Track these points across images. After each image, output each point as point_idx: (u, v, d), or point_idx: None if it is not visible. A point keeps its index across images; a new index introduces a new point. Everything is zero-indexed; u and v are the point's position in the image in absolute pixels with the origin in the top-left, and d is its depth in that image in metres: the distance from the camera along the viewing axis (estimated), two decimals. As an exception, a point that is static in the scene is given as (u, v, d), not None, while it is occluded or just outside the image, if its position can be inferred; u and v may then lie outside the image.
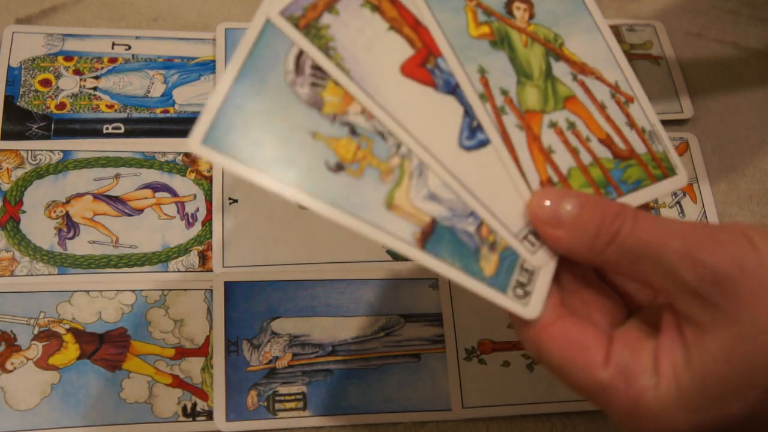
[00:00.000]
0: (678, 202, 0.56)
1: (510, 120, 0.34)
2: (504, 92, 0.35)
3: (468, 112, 0.34)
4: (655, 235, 0.29)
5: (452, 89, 0.34)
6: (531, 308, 0.32)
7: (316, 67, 0.32)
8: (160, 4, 0.61)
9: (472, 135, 0.34)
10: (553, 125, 0.34)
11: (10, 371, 0.45)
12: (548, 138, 0.34)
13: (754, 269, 0.27)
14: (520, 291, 0.33)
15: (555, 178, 0.34)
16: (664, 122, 0.60)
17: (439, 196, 0.33)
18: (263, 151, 0.31)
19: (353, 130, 0.32)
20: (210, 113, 0.31)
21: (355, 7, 0.33)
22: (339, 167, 0.32)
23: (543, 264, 0.33)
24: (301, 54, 0.32)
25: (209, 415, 0.46)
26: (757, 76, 0.63)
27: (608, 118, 0.35)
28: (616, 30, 0.63)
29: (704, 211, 0.55)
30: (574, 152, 0.34)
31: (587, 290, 0.34)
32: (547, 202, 0.32)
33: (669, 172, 0.35)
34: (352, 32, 0.33)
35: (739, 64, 0.63)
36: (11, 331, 0.46)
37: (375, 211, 0.32)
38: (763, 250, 0.28)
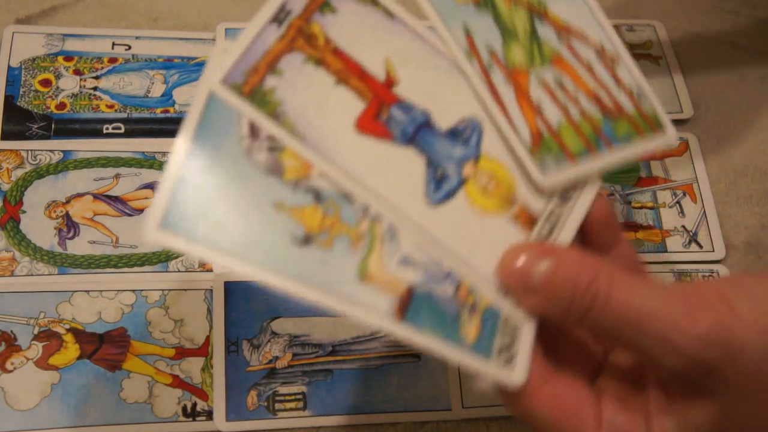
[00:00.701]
0: (678, 202, 0.56)
1: (498, 77, 0.33)
2: (490, 50, 0.34)
3: (430, 162, 0.32)
4: (629, 315, 0.27)
5: (410, 138, 0.32)
6: (517, 373, 0.30)
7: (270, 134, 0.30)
8: (160, 4, 0.61)
9: (438, 187, 0.32)
10: (541, 82, 0.34)
11: (10, 371, 0.45)
12: (537, 94, 0.34)
13: (738, 345, 0.26)
14: (505, 355, 0.31)
15: (545, 133, 0.33)
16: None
17: (413, 259, 0.31)
18: (225, 232, 0.29)
19: (318, 196, 0.30)
20: (164, 196, 0.28)
21: (297, 65, 0.31)
22: (307, 240, 0.29)
23: (527, 319, 0.31)
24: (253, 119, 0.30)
25: (209, 415, 0.46)
26: (757, 75, 0.63)
27: (596, 78, 0.35)
28: (616, 29, 0.63)
29: (704, 211, 0.55)
30: (563, 108, 0.34)
31: (564, 341, 0.32)
32: (520, 260, 0.30)
33: (658, 129, 0.35)
34: (300, 92, 0.31)
35: (739, 64, 0.63)
36: (11, 331, 0.46)
37: (349, 285, 0.30)
38: (745, 316, 0.26)
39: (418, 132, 0.32)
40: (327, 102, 0.31)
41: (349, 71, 0.32)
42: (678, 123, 0.60)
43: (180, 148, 0.29)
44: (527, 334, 0.31)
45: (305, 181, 0.30)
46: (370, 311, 0.30)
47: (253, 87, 0.30)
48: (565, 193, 0.34)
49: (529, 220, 0.33)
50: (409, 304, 0.30)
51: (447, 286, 0.31)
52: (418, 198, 0.32)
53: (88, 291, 0.48)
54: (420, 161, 0.32)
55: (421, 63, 0.33)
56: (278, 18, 0.31)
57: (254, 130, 0.30)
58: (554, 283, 0.29)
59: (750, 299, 0.26)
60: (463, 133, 0.33)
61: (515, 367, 0.31)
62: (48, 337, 0.47)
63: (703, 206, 0.56)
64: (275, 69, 0.31)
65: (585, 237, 0.33)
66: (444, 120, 0.33)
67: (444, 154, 0.32)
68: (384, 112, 0.32)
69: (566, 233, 0.33)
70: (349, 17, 0.33)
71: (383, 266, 0.30)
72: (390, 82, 0.33)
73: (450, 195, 0.32)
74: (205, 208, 0.29)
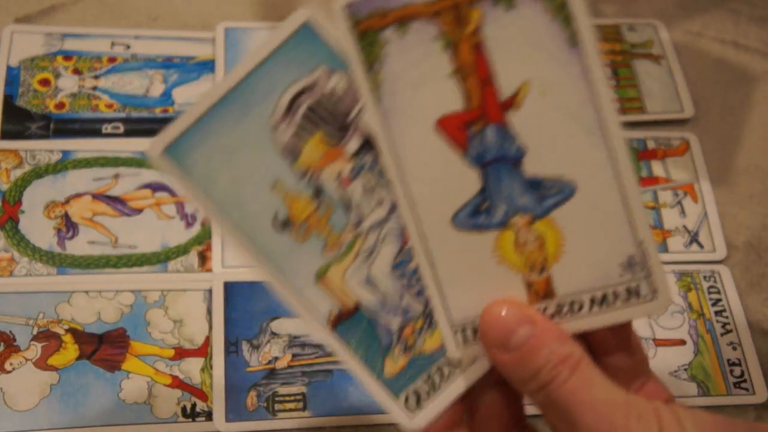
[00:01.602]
0: (679, 202, 0.56)
1: None
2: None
3: (483, 192, 0.30)
4: (575, 400, 0.28)
5: (482, 164, 0.30)
6: (414, 422, 0.31)
7: (309, 114, 0.30)
8: (160, 3, 0.61)
9: (474, 215, 0.31)
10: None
11: (9, 372, 0.45)
12: None
13: None
14: (412, 401, 0.32)
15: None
16: (665, 122, 0.60)
17: (377, 283, 0.31)
18: (217, 184, 0.30)
19: (318, 193, 0.31)
20: (181, 126, 0.29)
21: (426, 36, 0.29)
22: (286, 224, 0.30)
23: (459, 363, 0.32)
24: (298, 95, 0.30)
25: (209, 415, 0.45)
26: (758, 75, 0.63)
27: None
28: (616, 29, 0.63)
29: (705, 211, 0.55)
30: None
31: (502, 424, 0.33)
32: (507, 316, 0.30)
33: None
34: (407, 61, 0.29)
35: (739, 64, 0.63)
36: (10, 332, 0.46)
37: (302, 279, 0.31)
38: None
39: (496, 162, 0.30)
40: (427, 86, 0.29)
41: (474, 70, 0.29)
42: (678, 123, 0.60)
43: (216, 92, 0.29)
44: (450, 395, 0.32)
45: (314, 175, 0.30)
46: (308, 310, 0.31)
47: (369, 28, 0.29)
48: None
49: (544, 294, 0.31)
50: (347, 318, 0.31)
51: (394, 320, 0.32)
52: (445, 214, 0.31)
53: (87, 291, 0.48)
54: (475, 186, 0.30)
55: (560, 104, 0.30)
56: None
57: (292, 109, 0.30)
58: (530, 350, 0.29)
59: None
60: (546, 189, 0.31)
61: (417, 416, 0.32)
62: (47, 337, 0.46)
63: (704, 206, 0.56)
64: (402, 26, 0.29)
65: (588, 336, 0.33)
66: (537, 167, 0.30)
67: (506, 193, 0.31)
68: (477, 126, 0.30)
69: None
70: (521, 21, 0.29)
71: (343, 278, 0.31)
72: (509, 104, 0.30)
73: (479, 228, 0.31)
74: (210, 155, 0.29)
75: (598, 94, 0.30)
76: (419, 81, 0.30)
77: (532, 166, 0.30)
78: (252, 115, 0.30)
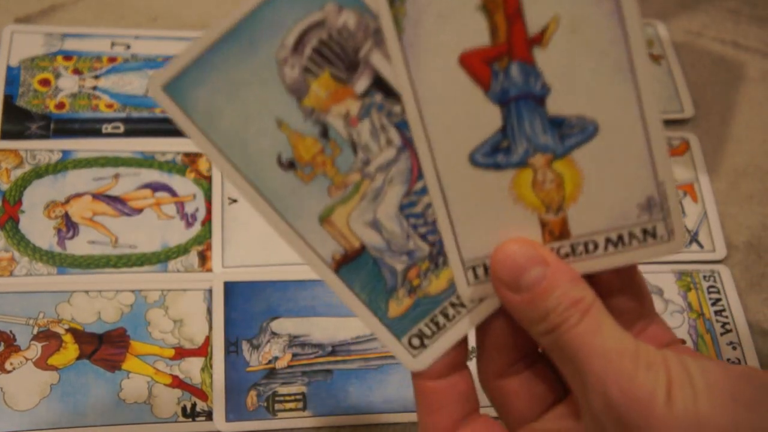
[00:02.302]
0: (679, 202, 0.56)
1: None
2: None
3: (504, 129, 0.30)
4: (584, 344, 0.28)
5: (505, 101, 0.30)
6: (417, 361, 0.31)
7: (317, 51, 0.29)
8: (160, 3, 0.61)
9: (492, 153, 0.30)
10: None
11: (10, 371, 0.45)
12: None
13: (659, 425, 0.27)
14: (416, 341, 0.31)
15: None
16: (665, 122, 0.60)
17: (383, 225, 0.31)
18: (220, 121, 0.29)
19: (324, 132, 0.30)
20: (183, 60, 0.28)
21: None
22: (290, 165, 0.30)
23: (468, 301, 0.31)
24: (307, 31, 0.29)
25: (209, 415, 0.46)
26: (758, 75, 0.63)
27: None
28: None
29: (705, 211, 0.55)
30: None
31: (519, 372, 0.33)
32: (519, 255, 0.30)
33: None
34: None
35: (739, 64, 0.63)
36: (10, 332, 0.46)
37: (306, 221, 0.30)
38: (676, 405, 0.27)
39: (518, 100, 0.30)
40: (454, 18, 0.29)
41: (502, 5, 0.29)
42: (678, 123, 0.60)
43: (222, 26, 0.28)
44: (455, 335, 0.31)
45: (321, 114, 0.30)
46: (311, 251, 0.30)
47: None
48: None
49: (559, 233, 0.31)
50: (352, 260, 0.31)
51: (399, 261, 0.31)
52: (463, 150, 0.30)
53: (88, 291, 0.48)
54: (495, 123, 0.30)
55: (590, 41, 0.29)
56: None
57: (299, 45, 0.29)
58: (541, 291, 0.29)
59: (690, 392, 0.27)
60: (568, 128, 0.30)
61: (420, 355, 0.31)
62: (47, 337, 0.46)
63: (704, 206, 0.56)
64: None
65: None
66: (561, 106, 0.30)
67: (526, 133, 0.30)
68: (502, 62, 0.29)
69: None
70: None
71: (348, 220, 0.31)
72: (537, 40, 0.29)
73: (497, 167, 0.30)
74: (213, 91, 0.28)
75: (630, 31, 0.29)
76: (446, 13, 0.29)
77: (555, 105, 0.30)
78: (258, 50, 0.29)
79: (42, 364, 0.46)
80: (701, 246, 0.54)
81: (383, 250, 0.31)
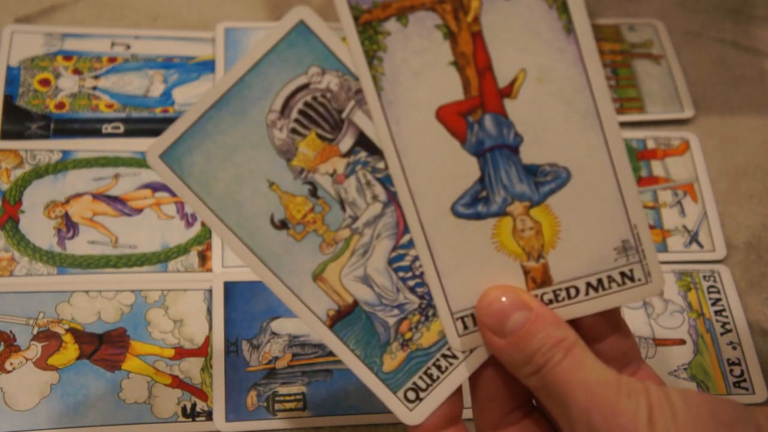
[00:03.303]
0: (679, 202, 0.56)
1: None
2: None
3: (482, 180, 0.31)
4: (567, 380, 0.29)
5: (480, 153, 0.31)
6: (414, 415, 0.32)
7: (303, 113, 0.30)
8: (160, 3, 0.61)
9: (473, 204, 0.31)
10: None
11: (9, 371, 0.45)
12: None
13: None
14: (411, 394, 0.32)
15: None
16: (665, 122, 0.60)
17: (373, 279, 0.32)
18: (215, 186, 0.30)
19: (314, 191, 0.31)
20: (178, 130, 0.30)
21: (427, 26, 0.30)
22: (283, 225, 0.31)
23: (461, 351, 0.32)
24: (292, 95, 0.30)
25: (209, 415, 0.46)
26: (758, 75, 0.63)
27: None
28: (616, 29, 0.63)
29: (705, 211, 0.55)
30: None
31: (515, 422, 0.33)
32: (502, 301, 0.31)
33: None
34: (409, 51, 0.30)
35: (739, 64, 0.63)
36: (10, 332, 0.46)
37: (300, 278, 0.31)
38: (657, 429, 0.27)
39: (494, 150, 0.31)
40: (427, 75, 0.30)
41: (473, 60, 0.30)
42: (678, 123, 0.60)
43: (213, 95, 0.30)
44: (449, 386, 0.32)
45: (309, 173, 0.31)
46: (306, 308, 0.31)
47: (372, 20, 0.29)
48: None
49: (541, 281, 0.32)
50: (346, 316, 0.32)
51: (390, 315, 0.32)
52: (445, 202, 0.31)
53: (88, 291, 0.48)
54: (474, 175, 0.31)
55: (556, 90, 0.30)
56: None
57: (286, 108, 0.30)
58: (525, 334, 0.30)
59: (671, 416, 0.28)
60: (542, 176, 0.31)
61: (416, 409, 0.32)
62: (47, 337, 0.46)
63: (704, 206, 0.56)
64: (404, 17, 0.29)
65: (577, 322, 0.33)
66: (534, 154, 0.31)
67: (503, 182, 0.31)
68: (476, 114, 0.30)
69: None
70: (519, 9, 0.29)
71: (340, 275, 0.32)
72: (507, 92, 0.30)
73: (478, 217, 0.31)
74: (207, 157, 0.30)
75: (593, 79, 0.30)
76: (420, 70, 0.30)
77: (528, 154, 0.31)
78: (248, 116, 0.30)
79: (42, 364, 0.46)
80: (701, 246, 0.54)
81: (375, 305, 0.32)
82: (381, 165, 0.31)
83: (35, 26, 0.57)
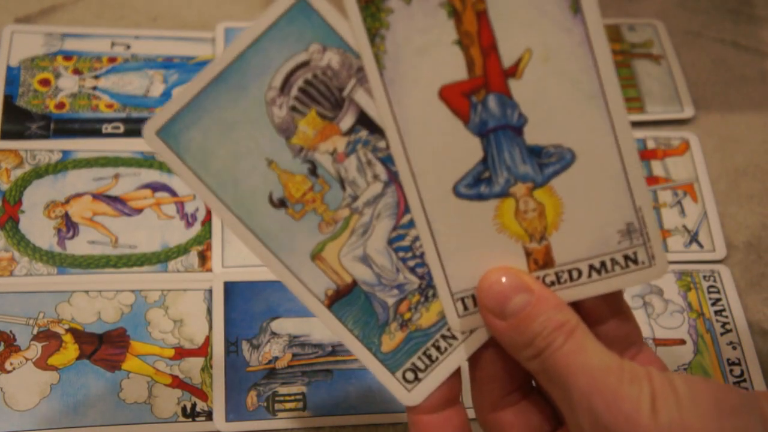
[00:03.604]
0: (679, 202, 0.56)
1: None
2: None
3: (485, 161, 0.30)
4: (569, 364, 0.28)
5: (484, 133, 0.30)
6: (413, 395, 0.32)
7: (303, 90, 0.30)
8: (160, 3, 0.61)
9: (475, 184, 0.31)
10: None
11: (9, 371, 0.45)
12: None
13: None
14: (410, 375, 0.32)
15: None
16: (665, 122, 0.60)
17: (372, 260, 0.32)
18: (212, 163, 0.30)
19: (313, 170, 0.31)
20: (175, 106, 0.29)
21: (431, 4, 0.29)
22: (281, 203, 0.30)
23: (460, 332, 0.32)
24: (293, 72, 0.30)
25: (209, 415, 0.46)
26: (758, 75, 0.63)
27: None
28: (616, 29, 0.63)
29: (705, 211, 0.55)
30: None
31: (514, 403, 0.33)
32: (503, 283, 0.30)
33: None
34: (413, 29, 0.29)
35: (739, 64, 0.63)
36: (10, 332, 0.46)
37: (298, 258, 0.31)
38: (661, 416, 0.27)
39: (497, 131, 0.30)
40: (431, 53, 0.29)
41: (477, 39, 0.29)
42: (679, 123, 0.60)
43: (212, 70, 0.29)
44: (448, 368, 0.32)
45: (309, 152, 0.30)
46: (304, 288, 0.31)
47: None
48: None
49: (543, 262, 0.32)
50: (345, 295, 0.31)
51: (390, 295, 0.32)
52: (447, 183, 0.31)
53: (88, 291, 0.48)
54: (476, 155, 0.30)
55: (562, 70, 0.30)
56: None
57: (286, 86, 0.30)
58: (526, 317, 0.30)
59: (674, 402, 0.28)
60: (546, 157, 0.31)
61: (415, 389, 0.32)
62: (47, 337, 0.46)
63: (704, 206, 0.56)
64: None
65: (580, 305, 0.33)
66: (538, 135, 0.30)
67: (506, 163, 0.31)
68: (480, 94, 0.30)
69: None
70: None
71: (338, 255, 0.31)
72: (511, 72, 0.30)
73: (480, 198, 0.31)
74: (205, 134, 0.29)
75: (600, 60, 0.30)
76: (424, 48, 0.29)
77: (532, 135, 0.30)
78: (248, 92, 0.30)
79: (42, 364, 0.46)
80: (701, 246, 0.54)
81: (374, 285, 0.32)
82: (382, 144, 0.31)
83: (35, 26, 0.57)
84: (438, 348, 0.32)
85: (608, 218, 0.31)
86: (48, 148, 0.52)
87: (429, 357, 0.32)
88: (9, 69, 0.55)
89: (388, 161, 0.31)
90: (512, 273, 0.31)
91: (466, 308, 0.32)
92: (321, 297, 0.31)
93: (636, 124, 0.59)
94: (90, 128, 0.54)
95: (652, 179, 0.57)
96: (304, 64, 0.30)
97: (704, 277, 0.53)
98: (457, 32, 0.29)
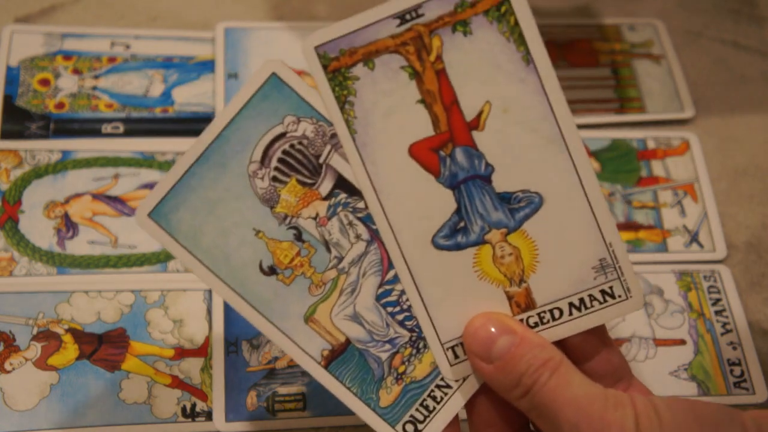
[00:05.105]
0: (679, 202, 0.56)
1: None
2: None
3: (459, 212, 0.32)
4: (556, 398, 0.29)
5: (455, 185, 0.32)
6: None
7: (283, 161, 0.31)
8: (160, 3, 0.61)
9: (452, 235, 0.32)
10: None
11: (9, 372, 0.45)
12: None
13: None
14: (410, 427, 0.33)
15: None
16: (666, 122, 0.60)
17: (363, 317, 0.33)
18: (202, 240, 0.31)
19: (299, 236, 0.32)
20: (163, 188, 0.31)
21: (392, 68, 0.31)
22: (272, 270, 0.32)
23: (455, 380, 0.33)
24: (271, 144, 0.31)
25: (208, 415, 0.45)
26: (758, 75, 0.63)
27: None
28: (616, 29, 0.63)
29: (705, 211, 0.55)
30: None
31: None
32: (487, 328, 0.31)
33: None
34: (378, 93, 0.31)
35: (739, 64, 0.63)
36: (10, 332, 0.46)
37: (292, 322, 0.32)
38: None
39: (467, 181, 0.32)
40: (397, 114, 0.31)
41: (439, 97, 0.31)
42: (679, 123, 0.60)
43: (194, 152, 0.31)
44: (446, 416, 0.33)
45: (293, 218, 0.32)
46: (301, 350, 0.32)
47: (341, 67, 0.31)
48: None
49: (525, 305, 0.33)
50: (340, 354, 0.32)
51: (382, 350, 0.33)
52: (425, 235, 0.32)
53: (87, 291, 0.48)
54: (450, 207, 0.32)
55: (521, 119, 0.31)
56: (404, 16, 0.31)
57: (266, 158, 0.31)
58: (511, 358, 0.31)
59: (658, 422, 0.29)
60: (516, 203, 0.32)
61: None
62: (47, 337, 0.46)
63: (705, 206, 0.56)
64: (370, 61, 0.31)
65: (565, 344, 0.34)
66: (506, 182, 0.32)
67: (479, 211, 0.32)
68: (447, 148, 0.32)
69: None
70: (479, 45, 0.31)
71: (330, 316, 0.32)
72: (474, 125, 0.32)
73: (458, 247, 0.32)
74: (194, 212, 0.31)
75: (555, 105, 0.31)
76: (390, 110, 0.31)
77: (501, 182, 0.32)
78: (229, 168, 0.31)
79: (42, 364, 0.46)
80: (701, 246, 0.54)
81: (367, 342, 0.33)
82: (361, 205, 0.32)
83: (35, 26, 0.57)
84: (434, 398, 0.33)
85: (581, 256, 0.32)
86: (48, 148, 0.52)
87: (426, 408, 0.33)
88: (9, 69, 0.55)
89: (368, 220, 0.32)
90: (495, 317, 0.32)
91: (456, 356, 0.33)
92: (317, 358, 0.32)
93: (636, 124, 0.59)
94: (90, 128, 0.54)
95: (652, 179, 0.57)
96: (281, 136, 0.31)
97: (704, 277, 0.53)
98: (420, 92, 0.31)
